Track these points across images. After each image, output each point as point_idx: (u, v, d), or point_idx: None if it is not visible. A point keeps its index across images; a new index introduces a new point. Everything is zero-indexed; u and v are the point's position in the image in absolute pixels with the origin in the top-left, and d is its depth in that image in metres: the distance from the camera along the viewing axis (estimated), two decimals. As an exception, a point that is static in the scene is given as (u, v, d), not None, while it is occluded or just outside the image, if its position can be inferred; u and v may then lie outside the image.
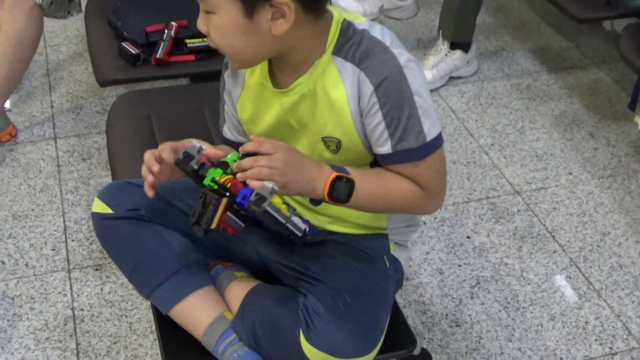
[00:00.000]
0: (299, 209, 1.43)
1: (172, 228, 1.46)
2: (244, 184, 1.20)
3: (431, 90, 2.79)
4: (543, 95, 2.79)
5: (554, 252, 2.16)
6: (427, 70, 2.78)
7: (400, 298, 2.01)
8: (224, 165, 1.24)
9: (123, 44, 2.15)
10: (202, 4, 1.25)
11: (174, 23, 2.15)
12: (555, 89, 2.83)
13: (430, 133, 1.28)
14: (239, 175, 1.20)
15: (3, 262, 2.10)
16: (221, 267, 1.49)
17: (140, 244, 1.44)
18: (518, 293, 2.04)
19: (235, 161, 1.23)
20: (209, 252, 1.50)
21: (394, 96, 1.25)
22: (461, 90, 2.82)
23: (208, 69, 2.10)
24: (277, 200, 1.21)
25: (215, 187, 1.23)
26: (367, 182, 1.29)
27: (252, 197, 1.19)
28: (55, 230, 2.20)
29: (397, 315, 1.45)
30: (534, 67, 2.96)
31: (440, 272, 2.09)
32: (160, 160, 1.29)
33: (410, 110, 1.26)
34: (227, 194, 1.22)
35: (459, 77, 2.87)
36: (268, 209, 1.19)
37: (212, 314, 1.40)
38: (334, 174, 1.24)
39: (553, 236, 2.21)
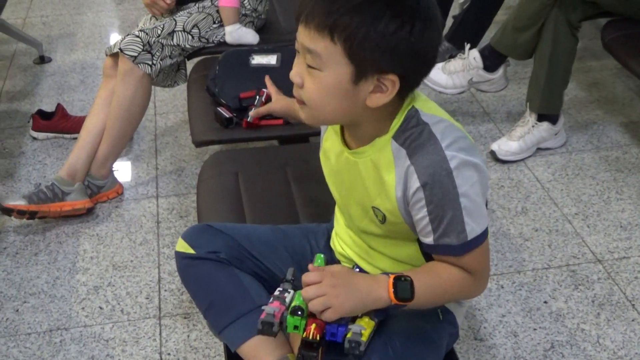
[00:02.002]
0: (355, 258, 1.53)
1: (247, 272, 1.56)
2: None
3: (518, 161, 2.84)
4: (632, 168, 2.80)
5: (633, 320, 2.15)
6: (513, 141, 2.84)
7: (472, 358, 2.05)
8: (298, 311, 1.31)
9: (218, 108, 2.33)
10: (311, 59, 1.26)
11: (265, 90, 2.31)
12: (645, 161, 2.83)
13: (472, 232, 1.32)
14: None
15: (101, 307, 2.26)
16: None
17: (216, 284, 1.54)
18: (593, 359, 2.03)
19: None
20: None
21: (439, 196, 1.29)
22: (548, 161, 2.86)
23: (295, 132, 2.24)
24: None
25: (301, 333, 1.31)
26: (422, 277, 1.34)
27: (347, 345, 1.29)
28: (150, 281, 2.35)
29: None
30: (624, 140, 2.96)
31: (514, 335, 2.11)
32: None
33: (454, 210, 1.30)
34: (319, 345, 1.31)
35: (547, 149, 2.91)
36: (363, 349, 1.29)
37: (276, 355, 1.48)
38: (393, 276, 1.30)
39: (633, 305, 2.20)
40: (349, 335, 1.29)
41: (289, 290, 1.39)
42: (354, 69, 1.24)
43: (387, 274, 1.32)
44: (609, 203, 2.62)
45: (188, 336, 2.15)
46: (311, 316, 1.31)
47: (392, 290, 1.28)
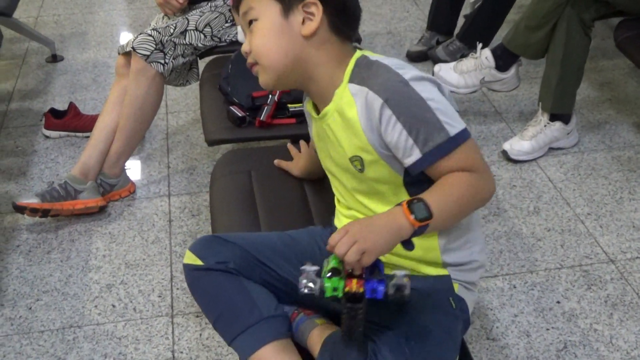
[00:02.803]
0: None
1: (256, 281, 1.56)
2: (362, 277, 1.29)
3: (530, 161, 2.84)
4: (644, 168, 2.79)
5: (646, 320, 2.14)
6: (526, 141, 2.83)
7: (485, 357, 2.04)
8: (335, 273, 1.30)
9: (231, 107, 2.33)
10: (248, 15, 1.44)
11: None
12: (657, 161, 2.82)
13: (453, 129, 1.34)
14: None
15: (114, 306, 2.27)
16: (303, 315, 1.59)
17: (225, 295, 1.53)
18: (606, 359, 2.03)
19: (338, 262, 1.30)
20: (290, 302, 1.60)
21: (405, 104, 1.34)
22: (560, 160, 2.85)
23: (307, 131, 2.23)
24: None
25: (340, 295, 1.29)
26: (433, 193, 1.34)
27: (391, 290, 1.27)
28: (163, 279, 2.36)
29: (465, 356, 1.50)
30: (636, 140, 2.95)
31: (527, 335, 2.11)
32: None
33: (426, 113, 1.34)
34: (361, 302, 1.29)
35: (559, 148, 2.90)
36: (407, 292, 1.27)
37: None
38: (405, 202, 1.31)
39: (646, 305, 2.19)
40: (393, 281, 1.27)
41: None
42: (280, 4, 1.41)
43: (399, 204, 1.33)
44: (622, 203, 2.61)
45: (200, 335, 2.15)
46: (348, 277, 1.30)
47: (409, 214, 1.29)
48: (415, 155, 1.36)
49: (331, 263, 1.31)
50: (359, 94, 1.39)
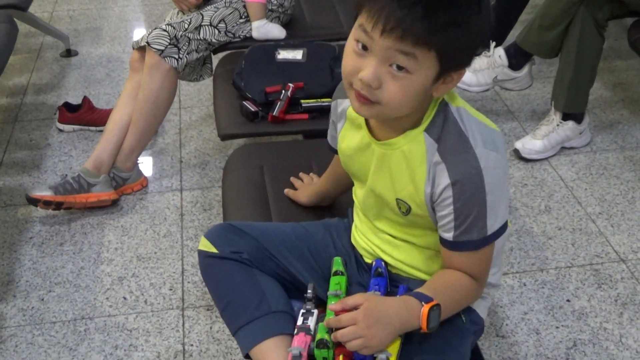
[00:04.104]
0: (377, 251, 1.55)
1: (268, 273, 1.56)
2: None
3: (542, 160, 2.84)
4: (657, 168, 2.79)
5: (656, 320, 2.14)
6: (538, 140, 2.83)
7: (494, 354, 2.05)
8: (325, 344, 1.34)
9: (244, 102, 2.34)
10: (406, 61, 1.24)
11: (290, 84, 2.32)
12: (670, 162, 2.82)
13: (493, 227, 1.35)
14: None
15: (125, 298, 2.28)
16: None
17: (235, 284, 1.53)
18: (615, 358, 2.03)
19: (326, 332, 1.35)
20: (299, 298, 1.59)
21: (467, 195, 1.32)
22: (572, 160, 2.85)
23: (320, 127, 2.21)
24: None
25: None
26: (443, 296, 1.36)
27: None
28: (174, 272, 2.37)
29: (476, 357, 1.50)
30: (649, 140, 2.95)
31: (536, 332, 2.11)
32: None
33: (480, 208, 1.32)
34: None
35: (571, 148, 2.90)
36: None
37: None
38: (427, 307, 1.31)
39: (656, 305, 2.19)
40: (380, 355, 1.31)
41: (312, 311, 1.42)
42: (440, 69, 1.26)
43: (418, 297, 1.33)
44: (633, 203, 2.61)
45: (211, 328, 2.16)
46: (338, 345, 1.33)
47: (425, 322, 1.31)
48: (447, 235, 1.38)
49: (322, 332, 1.35)
50: (431, 158, 1.34)
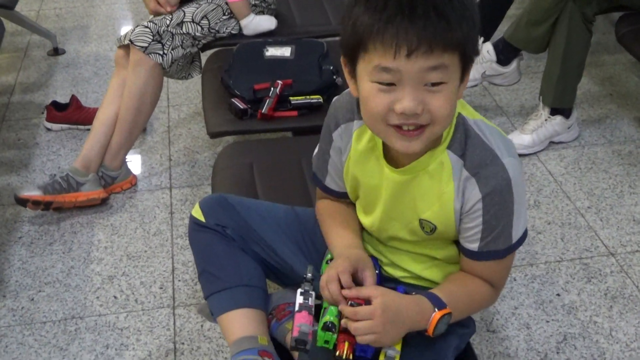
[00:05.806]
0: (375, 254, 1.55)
1: (248, 253, 1.59)
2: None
3: (530, 154, 2.84)
4: (645, 162, 2.80)
5: (646, 313, 2.15)
6: (526, 135, 2.84)
7: (485, 349, 2.05)
8: (331, 327, 1.34)
9: (233, 99, 2.34)
10: (439, 74, 1.22)
11: (279, 82, 2.32)
12: (658, 155, 2.83)
13: (517, 235, 1.37)
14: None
15: (115, 297, 2.28)
16: (276, 322, 1.59)
17: (214, 254, 1.59)
18: (605, 351, 2.04)
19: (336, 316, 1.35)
20: (278, 282, 1.66)
21: (497, 207, 1.33)
22: (561, 154, 2.86)
23: (309, 124, 2.25)
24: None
25: (331, 347, 1.35)
26: (456, 302, 1.37)
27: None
28: (164, 271, 2.37)
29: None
30: (637, 134, 2.96)
31: (527, 327, 2.12)
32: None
33: (507, 219, 1.34)
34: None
35: (560, 142, 2.90)
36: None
37: (248, 331, 1.51)
38: (438, 315, 1.32)
39: (646, 298, 2.20)
40: (382, 358, 1.33)
41: (310, 291, 1.42)
42: (462, 68, 1.26)
43: (433, 301, 1.33)
44: (622, 197, 2.62)
45: (202, 326, 2.16)
46: (342, 331, 1.34)
47: (433, 327, 1.32)
48: (472, 246, 1.38)
49: (331, 315, 1.35)
50: (458, 175, 1.34)
